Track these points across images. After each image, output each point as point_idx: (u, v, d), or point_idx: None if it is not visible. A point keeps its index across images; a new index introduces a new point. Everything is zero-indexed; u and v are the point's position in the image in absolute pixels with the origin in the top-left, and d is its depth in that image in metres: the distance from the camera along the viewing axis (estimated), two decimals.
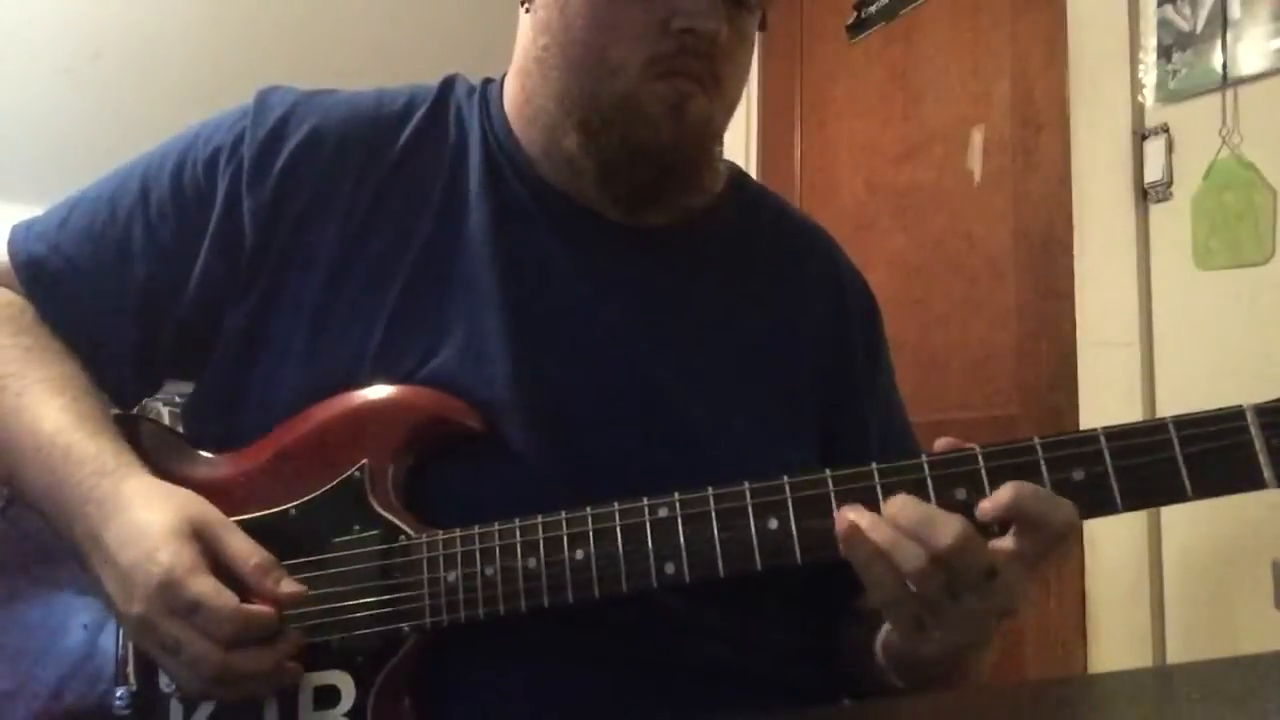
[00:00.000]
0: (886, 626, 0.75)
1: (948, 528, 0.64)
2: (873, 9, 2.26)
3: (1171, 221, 1.58)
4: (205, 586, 0.68)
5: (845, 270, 0.97)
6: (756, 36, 0.86)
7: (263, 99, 0.87)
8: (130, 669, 0.76)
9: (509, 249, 0.83)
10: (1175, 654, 1.52)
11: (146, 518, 0.71)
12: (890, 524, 0.66)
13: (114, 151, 0.89)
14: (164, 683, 0.75)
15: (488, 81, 0.92)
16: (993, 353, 1.92)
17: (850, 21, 2.32)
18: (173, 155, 0.86)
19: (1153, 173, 1.61)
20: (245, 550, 0.71)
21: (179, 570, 0.68)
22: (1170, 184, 1.59)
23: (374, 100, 0.88)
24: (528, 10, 0.84)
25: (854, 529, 0.66)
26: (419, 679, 0.74)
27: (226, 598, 0.68)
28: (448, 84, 0.91)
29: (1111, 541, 1.61)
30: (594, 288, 0.83)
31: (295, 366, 0.80)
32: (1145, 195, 1.63)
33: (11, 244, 0.87)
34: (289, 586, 0.71)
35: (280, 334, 0.81)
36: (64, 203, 0.88)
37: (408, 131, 0.86)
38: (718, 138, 0.87)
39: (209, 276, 0.82)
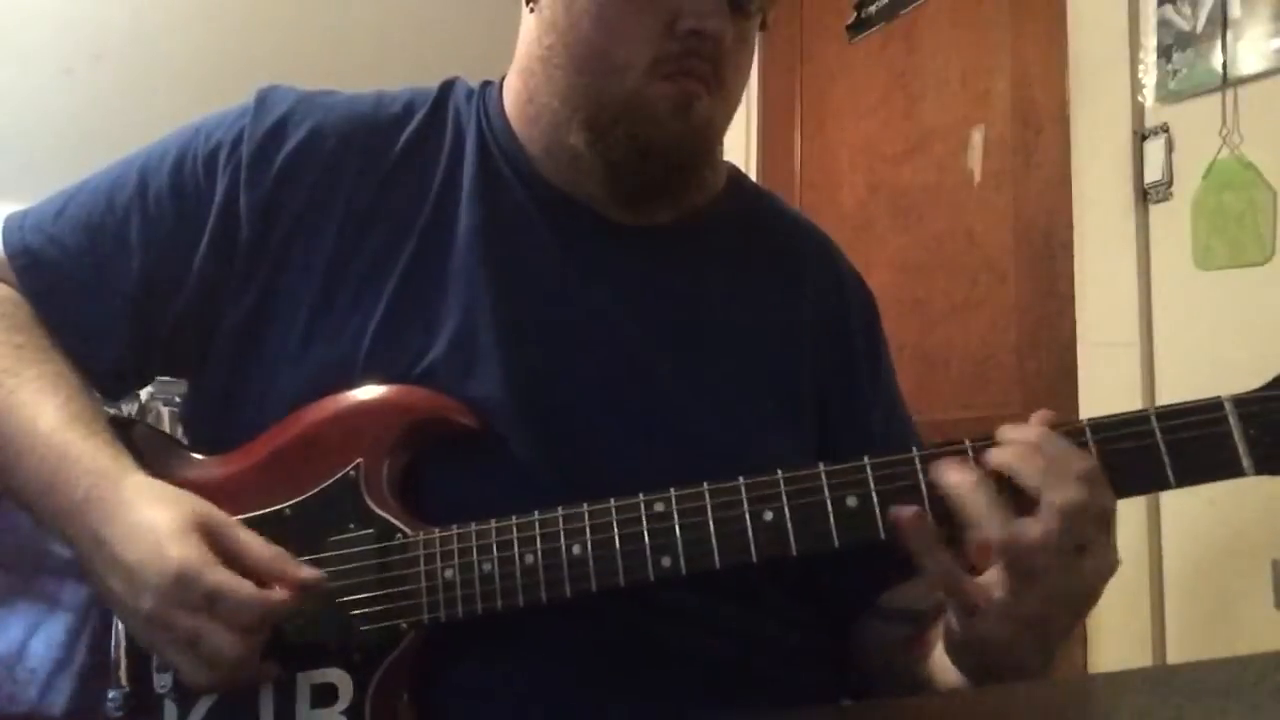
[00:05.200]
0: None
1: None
2: (873, 9, 2.26)
3: (1171, 221, 1.58)
4: (223, 576, 0.68)
5: (844, 269, 0.97)
6: (757, 38, 0.86)
7: (263, 98, 0.87)
8: (123, 671, 0.76)
9: (505, 247, 0.83)
10: (1175, 654, 1.52)
11: (151, 515, 0.70)
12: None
13: (114, 152, 0.89)
14: (158, 684, 0.75)
15: (486, 84, 0.92)
16: (993, 353, 1.92)
17: (850, 21, 2.32)
18: (172, 150, 0.86)
19: (1153, 173, 1.61)
20: (258, 544, 0.71)
21: (193, 562, 0.68)
22: (1170, 184, 1.59)
23: (373, 102, 0.88)
24: (532, 10, 0.84)
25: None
26: (417, 676, 0.74)
27: (248, 585, 0.68)
28: (447, 87, 0.91)
29: None
30: (591, 285, 0.83)
31: (291, 366, 0.80)
32: (1145, 195, 1.63)
33: (5, 235, 0.86)
34: (309, 572, 0.71)
35: (276, 333, 0.81)
36: (59, 194, 0.88)
37: (406, 133, 0.86)
38: (720, 137, 0.88)
39: (206, 273, 0.82)
